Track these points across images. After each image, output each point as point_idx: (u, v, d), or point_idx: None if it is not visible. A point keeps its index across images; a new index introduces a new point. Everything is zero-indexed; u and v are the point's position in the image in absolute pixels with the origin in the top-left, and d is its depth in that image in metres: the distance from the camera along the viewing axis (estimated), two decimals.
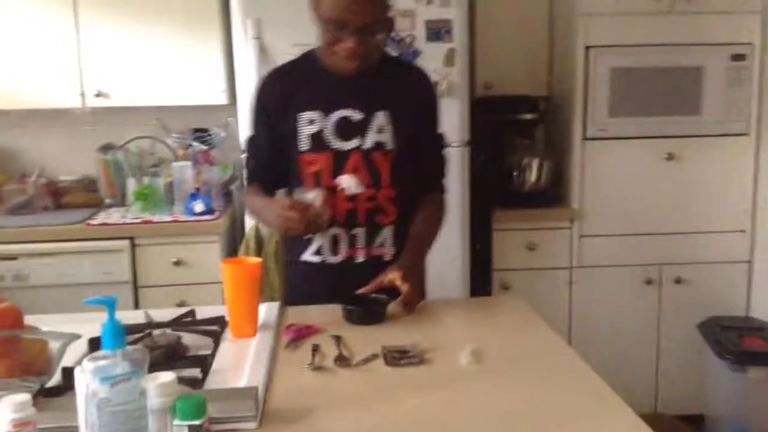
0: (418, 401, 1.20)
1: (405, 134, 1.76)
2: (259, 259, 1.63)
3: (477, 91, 3.14)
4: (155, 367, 1.09)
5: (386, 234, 1.78)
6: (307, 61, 1.78)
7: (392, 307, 1.62)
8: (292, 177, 1.79)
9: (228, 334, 1.52)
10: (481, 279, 2.97)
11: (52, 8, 2.92)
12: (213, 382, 1.27)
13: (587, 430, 1.10)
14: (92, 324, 1.22)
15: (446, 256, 2.69)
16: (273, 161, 1.80)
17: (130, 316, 1.54)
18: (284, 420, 1.14)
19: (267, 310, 1.63)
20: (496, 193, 3.02)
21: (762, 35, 2.97)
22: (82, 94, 2.97)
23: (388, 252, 1.78)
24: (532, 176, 3.06)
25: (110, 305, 1.02)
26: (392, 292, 1.63)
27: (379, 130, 1.73)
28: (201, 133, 3.20)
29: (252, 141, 1.85)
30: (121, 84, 2.98)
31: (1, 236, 2.77)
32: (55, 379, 1.21)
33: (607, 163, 3.02)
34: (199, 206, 2.89)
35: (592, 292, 3.06)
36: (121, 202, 3.15)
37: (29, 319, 1.32)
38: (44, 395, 1.15)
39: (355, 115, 1.73)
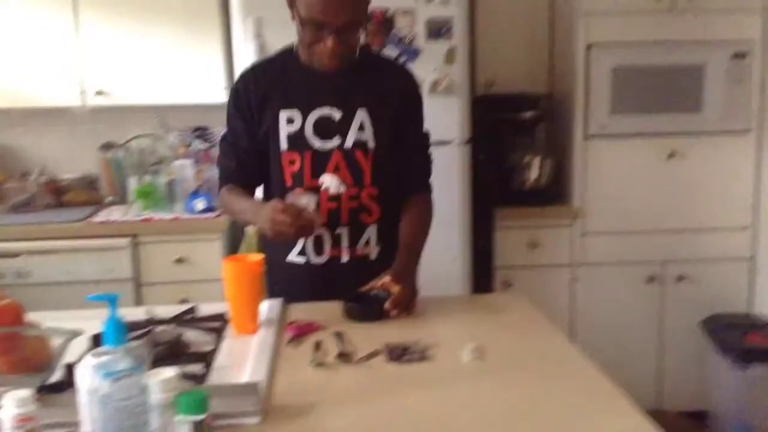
0: (420, 398, 1.20)
1: (386, 132, 1.73)
2: (260, 256, 1.62)
3: (478, 89, 3.14)
4: (158, 363, 1.09)
5: (370, 233, 1.77)
6: (285, 58, 1.76)
7: (385, 307, 1.59)
8: (272, 176, 1.76)
9: (230, 330, 1.52)
10: (483, 277, 2.98)
11: (52, 8, 2.92)
12: (215, 378, 1.27)
13: (590, 427, 1.10)
14: (94, 321, 1.22)
15: (448, 254, 2.70)
16: (253, 160, 1.77)
17: (132, 313, 1.54)
18: (286, 415, 1.14)
19: (269, 308, 1.63)
20: (497, 192, 3.02)
21: (763, 33, 2.96)
22: (83, 93, 2.98)
23: (372, 251, 1.77)
24: (534, 174, 3.06)
25: (113, 301, 1.02)
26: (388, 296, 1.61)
27: (360, 129, 1.71)
28: (201, 132, 3.21)
29: (228, 139, 1.79)
30: (121, 83, 2.98)
31: (3, 234, 2.78)
32: (58, 375, 1.21)
33: (608, 160, 3.02)
34: (200, 204, 2.90)
35: (594, 290, 3.06)
36: (122, 200, 3.16)
37: (31, 317, 1.32)
38: (46, 391, 1.15)
39: (335, 114, 1.71)
